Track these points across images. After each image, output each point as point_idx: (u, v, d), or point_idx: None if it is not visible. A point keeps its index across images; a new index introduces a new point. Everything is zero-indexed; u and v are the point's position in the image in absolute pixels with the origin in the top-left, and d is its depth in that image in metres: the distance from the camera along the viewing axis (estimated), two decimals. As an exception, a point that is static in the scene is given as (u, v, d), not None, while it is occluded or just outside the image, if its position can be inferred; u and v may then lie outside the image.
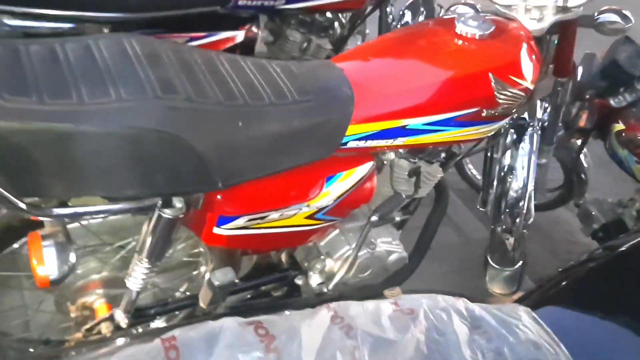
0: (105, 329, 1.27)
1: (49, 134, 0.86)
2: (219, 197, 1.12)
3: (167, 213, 1.07)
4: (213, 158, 1.00)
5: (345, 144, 1.19)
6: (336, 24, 1.99)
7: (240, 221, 1.15)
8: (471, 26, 1.29)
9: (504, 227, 1.81)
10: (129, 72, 0.96)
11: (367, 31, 2.60)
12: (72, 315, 1.31)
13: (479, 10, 1.64)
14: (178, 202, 1.07)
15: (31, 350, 1.44)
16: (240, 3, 1.68)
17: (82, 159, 0.90)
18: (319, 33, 1.95)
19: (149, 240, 1.12)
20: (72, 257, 1.04)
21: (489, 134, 1.37)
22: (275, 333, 0.71)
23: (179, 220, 1.11)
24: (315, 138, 1.14)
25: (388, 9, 2.28)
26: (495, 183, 1.83)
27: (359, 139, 1.20)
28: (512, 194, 1.76)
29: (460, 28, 1.29)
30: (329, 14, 1.96)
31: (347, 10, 1.98)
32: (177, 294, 1.54)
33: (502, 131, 1.74)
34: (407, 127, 1.23)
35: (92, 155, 0.90)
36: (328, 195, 1.23)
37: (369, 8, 2.08)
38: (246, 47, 1.78)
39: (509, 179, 1.77)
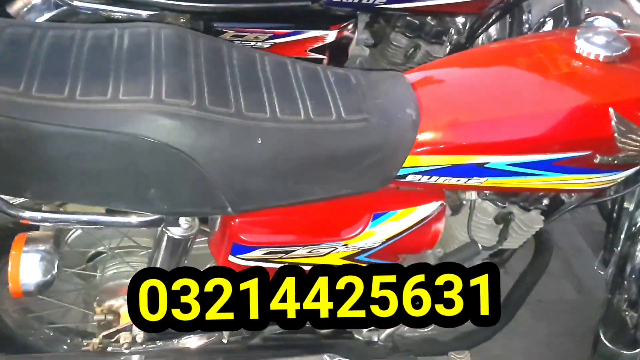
0: (124, 339, 1.18)
1: (27, 131, 0.76)
2: (235, 221, 0.96)
3: (173, 233, 0.94)
4: (220, 178, 0.84)
5: (403, 177, 0.97)
6: (452, 29, 1.72)
7: (257, 253, 0.98)
8: (595, 44, 0.98)
9: (625, 297, 1.45)
10: (139, 69, 0.83)
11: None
12: (96, 317, 1.24)
13: (625, 25, 1.30)
14: (185, 222, 0.93)
15: (69, 340, 1.42)
16: (334, -1, 1.50)
17: (62, 161, 0.79)
18: (429, 38, 1.70)
19: (159, 257, 1.00)
20: (54, 270, 0.94)
21: (605, 186, 1.06)
22: None
23: (192, 240, 0.97)
24: (360, 167, 0.92)
25: (524, 17, 1.95)
26: (622, 240, 1.47)
27: (421, 173, 0.97)
28: None
29: (580, 46, 0.99)
30: (443, 17, 1.70)
31: (463, 15, 1.70)
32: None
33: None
34: (486, 166, 0.97)
35: (73, 158, 0.79)
36: (373, 235, 1.02)
37: (497, 13, 1.78)
38: (339, 49, 1.59)
39: (641, 239, 1.40)
